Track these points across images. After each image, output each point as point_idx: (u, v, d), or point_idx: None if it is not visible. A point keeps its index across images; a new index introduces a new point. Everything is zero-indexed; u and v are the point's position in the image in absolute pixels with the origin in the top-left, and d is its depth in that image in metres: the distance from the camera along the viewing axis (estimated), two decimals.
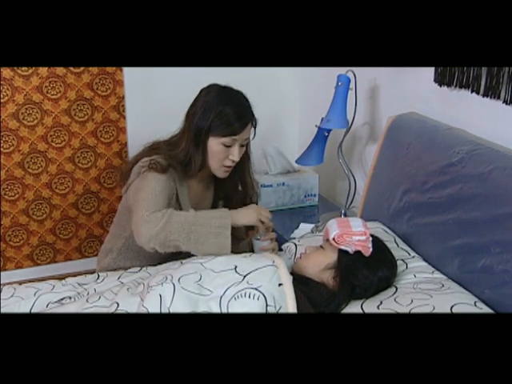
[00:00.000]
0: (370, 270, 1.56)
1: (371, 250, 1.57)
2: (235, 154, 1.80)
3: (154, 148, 1.85)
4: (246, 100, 1.83)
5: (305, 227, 2.29)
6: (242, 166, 1.92)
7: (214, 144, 1.78)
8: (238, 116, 1.77)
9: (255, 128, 1.87)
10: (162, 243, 1.61)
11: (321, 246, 1.67)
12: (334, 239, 1.59)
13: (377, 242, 1.63)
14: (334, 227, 1.62)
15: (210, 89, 1.82)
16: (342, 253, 1.59)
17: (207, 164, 1.82)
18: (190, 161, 1.78)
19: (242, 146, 1.83)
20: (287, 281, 1.43)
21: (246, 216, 1.72)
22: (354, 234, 1.58)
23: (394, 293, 1.56)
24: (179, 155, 1.79)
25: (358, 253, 1.57)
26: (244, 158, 1.89)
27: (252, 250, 1.83)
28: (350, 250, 1.57)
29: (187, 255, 1.75)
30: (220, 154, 1.79)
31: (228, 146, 1.78)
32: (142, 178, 1.76)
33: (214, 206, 1.98)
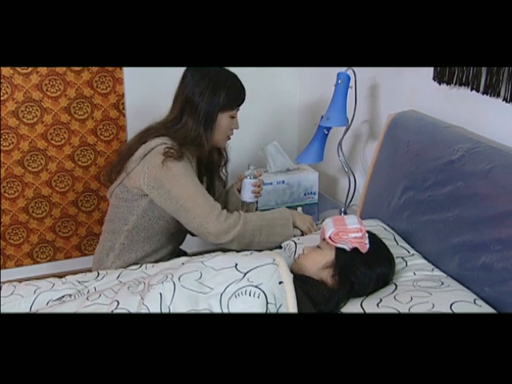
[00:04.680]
0: (368, 266, 1.56)
1: (368, 246, 1.58)
2: (237, 123, 1.97)
3: (149, 130, 1.92)
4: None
5: None
6: None
7: (224, 119, 1.91)
8: (241, 86, 1.93)
9: None
10: (240, 242, 1.84)
11: (318, 246, 1.67)
12: (330, 238, 1.59)
13: (373, 238, 1.63)
14: (329, 226, 1.62)
15: (200, 72, 1.88)
16: (339, 251, 1.59)
17: (213, 140, 1.92)
18: (200, 140, 1.87)
19: None
20: (288, 279, 1.43)
21: (301, 219, 1.98)
22: (350, 231, 1.59)
23: (394, 290, 1.56)
24: (189, 135, 1.87)
25: (355, 250, 1.57)
26: None
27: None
28: (347, 247, 1.58)
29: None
30: (227, 126, 1.93)
31: (233, 118, 1.94)
32: (164, 170, 1.80)
33: (200, 181, 2.06)
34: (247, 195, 2.05)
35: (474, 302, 1.47)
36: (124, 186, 1.90)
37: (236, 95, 1.91)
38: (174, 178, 1.81)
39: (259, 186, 2.06)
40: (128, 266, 1.82)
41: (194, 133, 1.86)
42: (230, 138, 2.00)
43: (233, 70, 1.89)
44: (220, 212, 1.82)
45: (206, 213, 1.81)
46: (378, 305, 1.50)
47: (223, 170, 2.12)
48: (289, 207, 2.48)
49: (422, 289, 1.54)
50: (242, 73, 1.95)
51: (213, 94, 1.85)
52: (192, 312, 1.36)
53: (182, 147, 1.84)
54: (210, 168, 2.09)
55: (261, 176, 2.08)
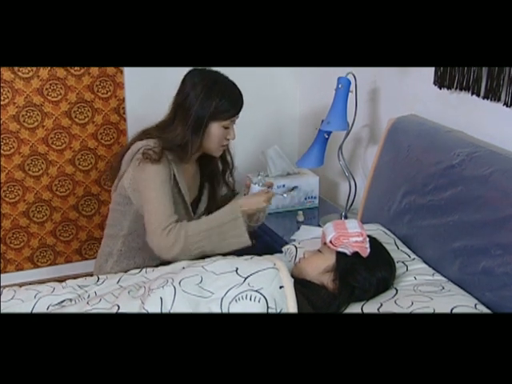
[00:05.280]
0: (369, 270, 1.56)
1: (369, 250, 1.58)
2: (233, 134, 1.91)
3: (144, 133, 1.90)
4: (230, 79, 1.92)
5: (305, 229, 2.29)
6: None
7: (216, 128, 1.86)
8: (238, 97, 1.88)
9: None
10: (188, 255, 1.73)
11: (318, 250, 1.67)
12: (330, 242, 1.59)
13: (374, 242, 1.63)
14: (330, 230, 1.62)
15: (200, 75, 1.87)
16: (340, 255, 1.59)
17: (204, 147, 1.90)
18: (186, 145, 1.84)
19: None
20: (288, 283, 1.43)
21: (255, 203, 1.83)
22: (351, 235, 1.59)
23: (395, 295, 1.56)
24: (176, 139, 1.84)
25: (355, 254, 1.57)
26: None
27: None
28: (348, 251, 1.57)
29: None
30: (220, 136, 1.88)
31: (227, 128, 1.88)
32: (139, 171, 1.79)
33: (202, 187, 2.05)
34: None
35: (475, 307, 1.46)
36: (118, 190, 1.90)
37: (229, 105, 1.85)
38: (146, 180, 1.79)
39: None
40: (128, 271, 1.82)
41: (182, 138, 1.83)
42: (224, 147, 1.95)
43: (234, 71, 1.89)
44: (166, 226, 1.73)
45: (155, 224, 1.75)
46: (378, 309, 1.49)
47: (229, 177, 2.08)
48: (289, 212, 2.51)
49: (422, 293, 1.53)
50: (243, 76, 1.95)
51: (205, 99, 1.81)
52: None
53: (166, 151, 1.81)
54: (213, 175, 2.06)
55: (271, 187, 1.98)
